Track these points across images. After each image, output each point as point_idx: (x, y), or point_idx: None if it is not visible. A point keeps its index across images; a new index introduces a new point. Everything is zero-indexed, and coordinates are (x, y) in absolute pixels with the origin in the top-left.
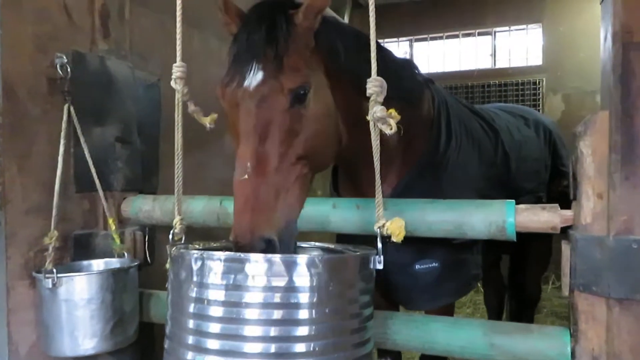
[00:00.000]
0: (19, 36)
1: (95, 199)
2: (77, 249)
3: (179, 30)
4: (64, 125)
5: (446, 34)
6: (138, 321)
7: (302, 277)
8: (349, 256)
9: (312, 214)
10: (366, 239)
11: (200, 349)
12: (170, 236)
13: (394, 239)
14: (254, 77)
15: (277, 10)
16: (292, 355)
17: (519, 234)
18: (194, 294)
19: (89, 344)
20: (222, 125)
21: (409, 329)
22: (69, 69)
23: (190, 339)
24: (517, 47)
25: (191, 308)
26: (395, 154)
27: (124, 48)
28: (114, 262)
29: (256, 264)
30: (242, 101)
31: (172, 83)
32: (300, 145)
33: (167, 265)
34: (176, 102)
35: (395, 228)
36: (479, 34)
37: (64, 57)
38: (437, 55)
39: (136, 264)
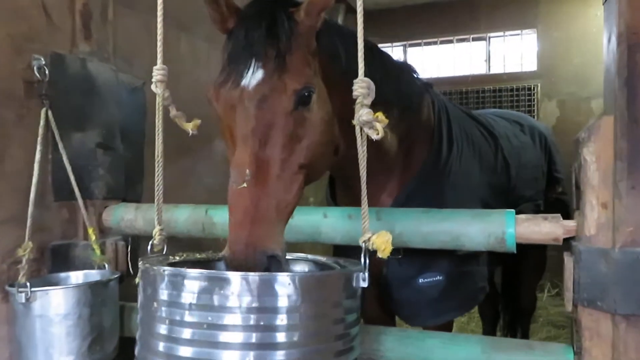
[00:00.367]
0: None
1: (74, 207)
2: (55, 261)
3: (160, 31)
4: (41, 130)
5: (440, 39)
6: (118, 337)
7: (280, 297)
8: (331, 274)
9: (301, 224)
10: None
11: None
12: (149, 247)
13: (379, 255)
14: (254, 77)
15: (278, 6)
16: None
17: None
18: (163, 314)
19: None
20: (209, 130)
21: (404, 345)
22: (47, 72)
23: None
24: (511, 52)
25: (161, 329)
26: (395, 161)
27: (106, 50)
28: (94, 274)
29: (230, 283)
30: (240, 102)
31: (153, 87)
32: (303, 152)
33: (137, 280)
34: (157, 107)
35: (380, 243)
36: (474, 39)
37: (42, 59)
38: (431, 61)
39: (116, 276)
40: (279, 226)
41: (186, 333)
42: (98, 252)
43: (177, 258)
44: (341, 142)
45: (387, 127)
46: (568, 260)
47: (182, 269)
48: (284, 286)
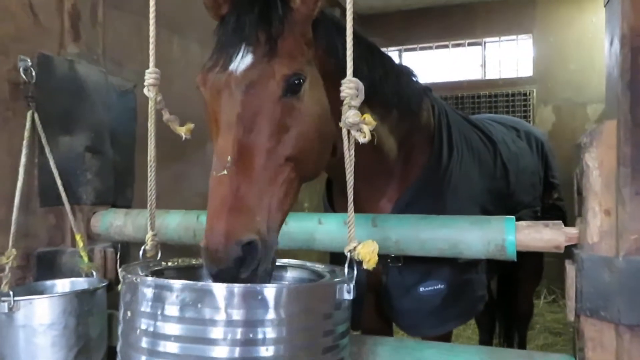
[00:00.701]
0: None
1: (61, 213)
2: (41, 268)
3: (152, 33)
4: (26, 133)
5: (436, 44)
6: (106, 347)
7: (266, 310)
8: (319, 285)
9: (295, 231)
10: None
11: None
12: (141, 253)
13: (365, 266)
14: (242, 61)
15: None
16: None
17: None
18: (144, 326)
19: None
20: (202, 134)
21: (400, 355)
22: (33, 73)
23: None
24: (507, 57)
25: (142, 342)
26: (395, 165)
27: (96, 52)
28: (81, 282)
29: (214, 295)
30: (226, 87)
31: (145, 90)
32: (291, 143)
33: (119, 288)
34: (149, 111)
35: (365, 253)
36: (469, 44)
37: (28, 60)
38: (427, 66)
39: (104, 284)
40: (261, 217)
41: (168, 347)
42: (86, 259)
43: (168, 264)
44: (339, 142)
45: (386, 129)
46: (570, 269)
47: (164, 280)
48: (270, 298)
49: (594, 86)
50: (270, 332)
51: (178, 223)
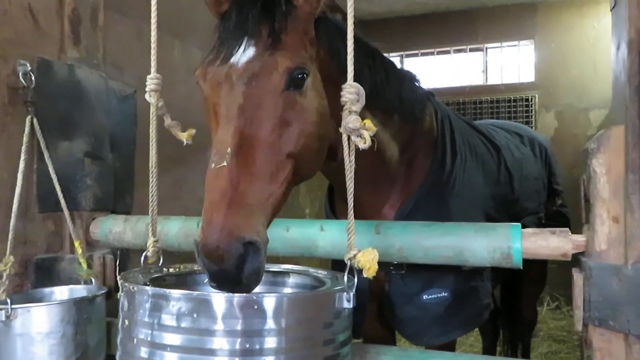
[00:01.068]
0: None
1: (60, 219)
2: (39, 275)
3: (153, 39)
4: (25, 138)
5: (437, 49)
6: (105, 356)
7: (266, 319)
8: (320, 293)
9: (296, 237)
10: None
11: None
12: (142, 259)
13: (364, 274)
14: (244, 54)
15: None
16: None
17: None
18: (143, 336)
19: None
20: (203, 139)
21: None
22: (33, 78)
23: None
24: (509, 63)
25: (141, 352)
26: (397, 171)
27: (96, 57)
28: (80, 290)
29: (213, 304)
30: (227, 79)
31: (147, 96)
32: (292, 139)
33: (118, 296)
34: (150, 116)
35: (365, 261)
36: (471, 50)
37: (28, 65)
38: (428, 71)
39: (103, 292)
40: (260, 215)
41: (167, 357)
42: (85, 266)
43: (170, 270)
44: (340, 146)
45: (388, 134)
46: (577, 277)
47: (161, 289)
48: (270, 307)
49: (596, 91)
50: (269, 342)
51: (178, 229)
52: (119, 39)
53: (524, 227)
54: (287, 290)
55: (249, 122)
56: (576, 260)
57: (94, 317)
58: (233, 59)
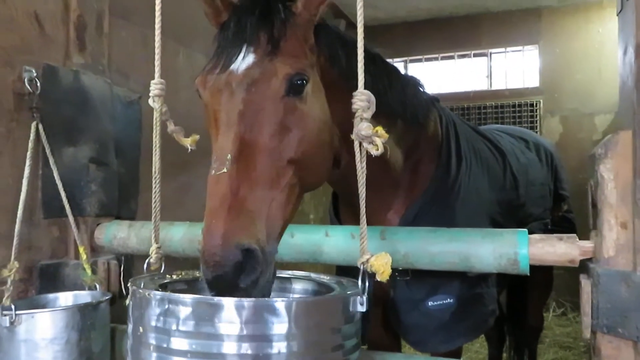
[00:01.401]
0: None
1: (65, 225)
2: (44, 281)
3: (157, 44)
4: (30, 144)
5: (441, 55)
6: None
7: (276, 324)
8: (329, 298)
9: (301, 243)
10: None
11: None
12: (145, 266)
13: (378, 278)
14: (244, 61)
15: None
16: None
17: None
18: (154, 341)
19: None
20: (207, 145)
21: None
22: (38, 84)
23: None
24: (513, 68)
25: (153, 358)
26: (401, 177)
27: (101, 63)
28: (84, 295)
29: (223, 309)
30: (227, 86)
31: (150, 101)
32: (293, 145)
33: (127, 302)
34: (154, 122)
35: (379, 265)
36: (475, 55)
37: (33, 71)
38: (432, 77)
39: (107, 298)
40: (262, 222)
41: None
42: (89, 271)
43: (174, 277)
44: (343, 154)
45: (391, 140)
46: (585, 284)
47: (173, 294)
48: (280, 312)
49: (601, 96)
50: (282, 347)
51: (182, 235)
52: (124, 45)
53: (530, 233)
54: (295, 296)
55: (249, 128)
56: (583, 266)
57: (98, 323)
58: (233, 66)
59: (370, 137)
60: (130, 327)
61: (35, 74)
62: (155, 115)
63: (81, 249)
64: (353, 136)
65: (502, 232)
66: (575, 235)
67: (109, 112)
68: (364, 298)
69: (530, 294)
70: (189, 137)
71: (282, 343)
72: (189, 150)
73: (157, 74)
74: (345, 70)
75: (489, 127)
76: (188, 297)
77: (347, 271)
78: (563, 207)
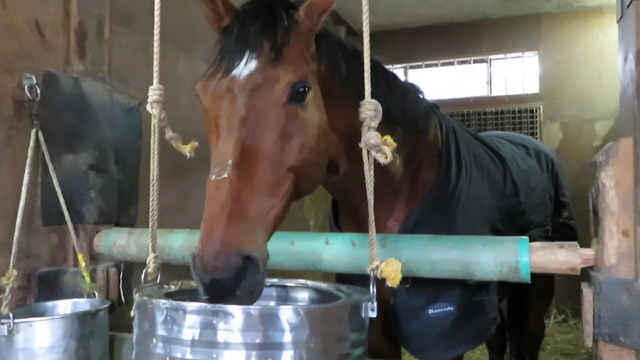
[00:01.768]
0: None
1: (64, 232)
2: (42, 289)
3: (156, 50)
4: (30, 151)
5: (441, 61)
6: None
7: (285, 332)
8: (338, 305)
9: (301, 251)
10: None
11: None
12: (143, 276)
13: (388, 284)
14: (246, 67)
15: (276, 3)
16: None
17: None
18: (160, 350)
19: None
20: (207, 151)
21: None
22: (38, 91)
23: None
24: (513, 74)
25: None
26: (401, 184)
27: (101, 69)
28: (83, 303)
29: (233, 317)
30: (229, 92)
31: (148, 107)
32: (294, 152)
33: (132, 313)
34: (152, 128)
35: (390, 271)
36: (475, 61)
37: (33, 78)
38: (432, 83)
39: (106, 305)
40: (261, 229)
41: None
42: (88, 279)
43: (172, 287)
44: (342, 161)
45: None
46: (587, 292)
47: (182, 303)
48: (290, 320)
49: (601, 103)
50: (288, 356)
51: (182, 242)
52: (124, 52)
53: (530, 240)
54: (300, 304)
55: (251, 134)
56: (584, 273)
57: (96, 331)
58: (235, 72)
59: (378, 146)
60: (135, 337)
61: (35, 81)
62: (154, 121)
63: (80, 257)
64: (361, 145)
65: (502, 240)
66: (576, 243)
67: (108, 119)
68: (375, 304)
69: (531, 301)
70: (188, 144)
71: (291, 351)
72: (188, 157)
73: (155, 80)
74: (346, 78)
75: (489, 134)
76: (193, 305)
77: (346, 279)
78: (564, 213)
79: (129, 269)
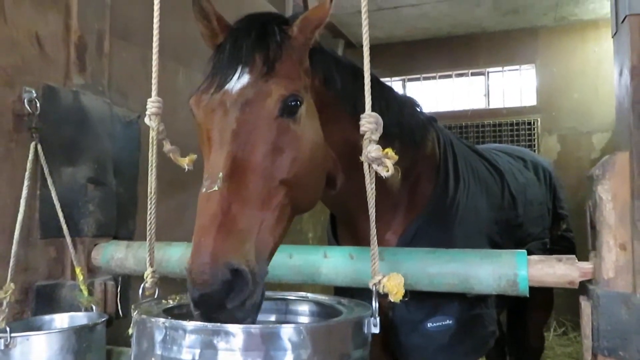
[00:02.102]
0: None
1: (62, 245)
2: (40, 302)
3: (155, 62)
4: (29, 164)
5: (439, 74)
6: None
7: (288, 351)
8: (340, 322)
9: (300, 264)
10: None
11: None
12: (140, 292)
13: (391, 299)
14: (239, 81)
15: (269, 20)
16: None
17: None
18: None
19: None
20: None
21: None
22: (38, 105)
23: None
24: (511, 87)
25: None
26: (399, 197)
27: (101, 83)
28: (81, 317)
29: (234, 336)
30: (221, 105)
31: (146, 119)
32: (285, 165)
33: (130, 331)
34: (150, 141)
35: (392, 286)
36: (472, 74)
37: (33, 92)
38: (430, 95)
39: (104, 319)
40: (251, 242)
41: None
42: (85, 293)
43: (171, 302)
44: (339, 175)
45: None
46: (585, 305)
47: (182, 322)
48: (292, 338)
49: (598, 115)
50: None
51: (180, 255)
52: (124, 65)
53: (529, 253)
54: (303, 319)
55: (242, 147)
56: (582, 287)
57: (94, 345)
58: (227, 86)
59: (380, 159)
60: (134, 355)
61: (35, 95)
62: (152, 134)
63: (78, 270)
64: (362, 158)
65: (501, 253)
66: (574, 256)
67: (108, 132)
68: (377, 319)
69: (530, 314)
70: (187, 157)
71: None
72: (186, 169)
73: (154, 92)
74: (341, 93)
75: (487, 147)
76: (192, 324)
77: (345, 291)
78: (562, 226)
79: (127, 283)
